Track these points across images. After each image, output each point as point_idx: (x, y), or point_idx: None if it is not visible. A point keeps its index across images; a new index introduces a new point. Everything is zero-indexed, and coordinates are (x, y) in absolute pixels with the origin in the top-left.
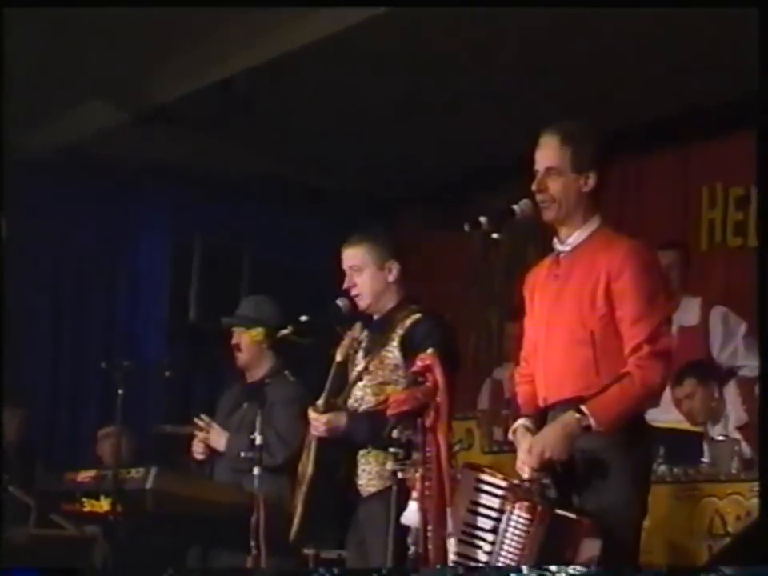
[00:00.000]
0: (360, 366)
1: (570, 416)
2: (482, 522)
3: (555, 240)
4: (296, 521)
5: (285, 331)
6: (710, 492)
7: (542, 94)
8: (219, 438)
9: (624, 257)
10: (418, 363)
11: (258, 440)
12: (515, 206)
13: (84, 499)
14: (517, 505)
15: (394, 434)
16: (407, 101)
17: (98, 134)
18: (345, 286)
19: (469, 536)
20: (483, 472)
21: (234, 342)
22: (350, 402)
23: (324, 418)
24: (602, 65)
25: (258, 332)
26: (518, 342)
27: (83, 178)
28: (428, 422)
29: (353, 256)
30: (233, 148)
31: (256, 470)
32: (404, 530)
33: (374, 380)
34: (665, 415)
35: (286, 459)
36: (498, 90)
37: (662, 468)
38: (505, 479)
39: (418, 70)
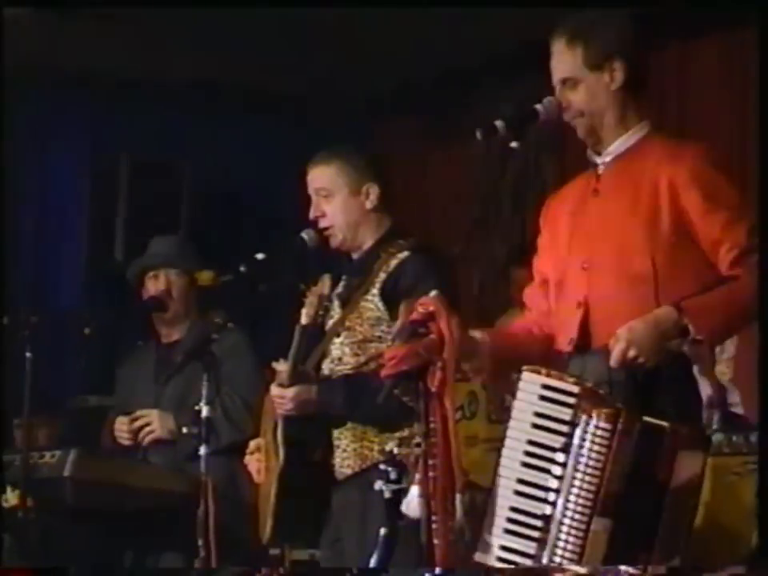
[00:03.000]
0: (335, 319)
1: (667, 311)
2: (551, 440)
3: (590, 152)
4: (269, 518)
5: (232, 275)
6: None
7: None
8: (165, 424)
9: (692, 161)
10: (419, 310)
11: (205, 411)
12: (538, 106)
13: None
14: (594, 412)
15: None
16: None
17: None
18: (311, 215)
19: (536, 458)
20: (549, 376)
21: (159, 289)
22: (326, 363)
23: (291, 391)
24: None
25: (207, 275)
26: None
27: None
28: (432, 385)
29: (320, 177)
30: (167, 43)
31: (203, 449)
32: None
33: (352, 337)
34: None
35: (247, 430)
36: None
37: (718, 436)
38: (577, 383)
39: None
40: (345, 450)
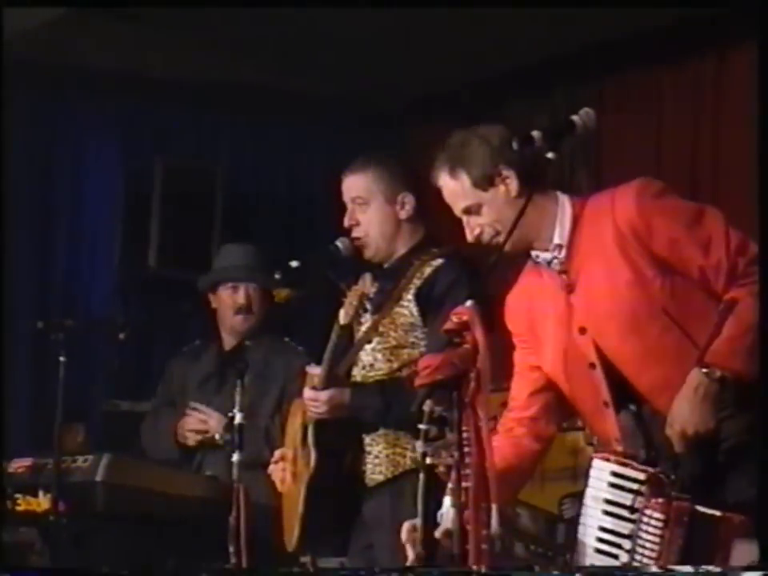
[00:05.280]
0: (367, 325)
1: (696, 374)
2: (620, 526)
3: (536, 253)
4: (297, 525)
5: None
6: None
7: None
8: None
9: (634, 204)
10: (453, 319)
11: (238, 418)
12: (575, 117)
13: (17, 495)
14: (652, 501)
15: (425, 407)
16: None
17: (27, 31)
18: (345, 223)
19: (606, 543)
20: (618, 463)
21: (242, 300)
22: (356, 369)
23: (325, 394)
24: None
25: (285, 293)
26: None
27: (9, 88)
28: (466, 395)
29: (356, 185)
30: (200, 45)
31: (235, 457)
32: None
33: (385, 343)
34: None
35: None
36: None
37: None
38: (643, 469)
39: None
40: (377, 457)
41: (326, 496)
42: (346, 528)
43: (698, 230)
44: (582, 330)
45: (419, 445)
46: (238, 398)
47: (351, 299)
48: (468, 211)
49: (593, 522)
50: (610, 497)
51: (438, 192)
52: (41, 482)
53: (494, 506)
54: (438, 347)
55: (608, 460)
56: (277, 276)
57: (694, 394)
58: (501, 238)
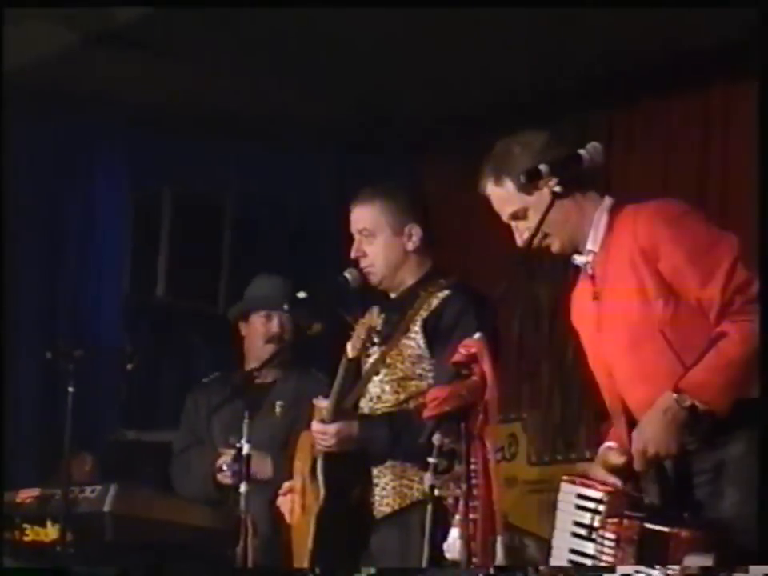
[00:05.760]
0: (375, 357)
1: (667, 397)
2: (585, 547)
3: (574, 256)
4: (306, 557)
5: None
6: None
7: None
8: (263, 465)
9: (650, 225)
10: (462, 351)
11: (246, 448)
12: (582, 151)
13: (25, 525)
14: (606, 522)
15: (434, 440)
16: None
17: (40, 58)
18: (352, 255)
19: (576, 564)
20: (582, 485)
21: (275, 329)
22: (364, 401)
23: (333, 427)
24: None
25: (317, 327)
26: None
27: (21, 115)
28: (474, 426)
29: (363, 217)
30: (216, 78)
31: (243, 487)
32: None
33: (392, 374)
34: None
35: None
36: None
37: None
38: (602, 488)
39: None
40: (384, 488)
41: (336, 528)
42: (354, 560)
43: (703, 262)
44: (602, 338)
45: (428, 477)
46: (245, 429)
47: (359, 332)
48: (515, 216)
49: (564, 545)
50: (577, 519)
51: (444, 222)
52: (48, 513)
53: (499, 538)
54: (445, 379)
55: (574, 482)
56: (285, 307)
57: (662, 416)
58: (550, 241)
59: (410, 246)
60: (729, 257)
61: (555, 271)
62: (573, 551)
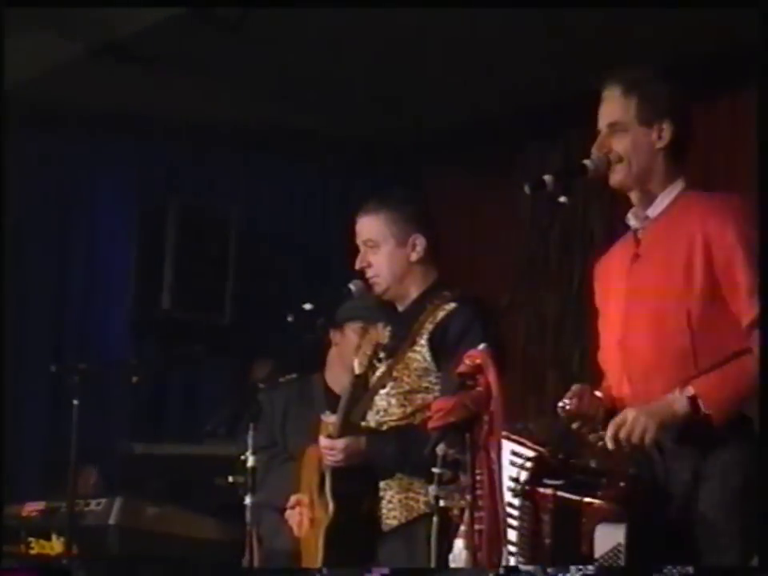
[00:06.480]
0: (381, 370)
1: (676, 394)
2: (514, 502)
3: (629, 215)
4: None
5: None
6: None
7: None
8: None
9: (724, 214)
10: (466, 362)
11: (251, 461)
12: (587, 161)
13: (31, 539)
14: (527, 488)
15: (438, 450)
16: (434, 20)
17: (45, 72)
18: (357, 265)
19: (512, 518)
20: (516, 442)
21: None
22: (371, 414)
23: (341, 443)
24: None
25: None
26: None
27: (25, 128)
28: (479, 437)
29: (368, 228)
30: (221, 91)
31: (248, 499)
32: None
33: (398, 387)
34: None
35: None
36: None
37: None
38: (534, 448)
39: None
40: (390, 501)
41: (345, 541)
42: (363, 573)
43: (755, 272)
44: (628, 298)
45: (433, 488)
46: (250, 441)
47: (365, 348)
48: (612, 126)
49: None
50: (509, 474)
51: (449, 233)
52: (54, 526)
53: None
54: (451, 391)
55: (509, 439)
56: (289, 319)
57: (667, 406)
58: (618, 170)
59: (415, 256)
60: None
61: (560, 281)
62: (508, 504)
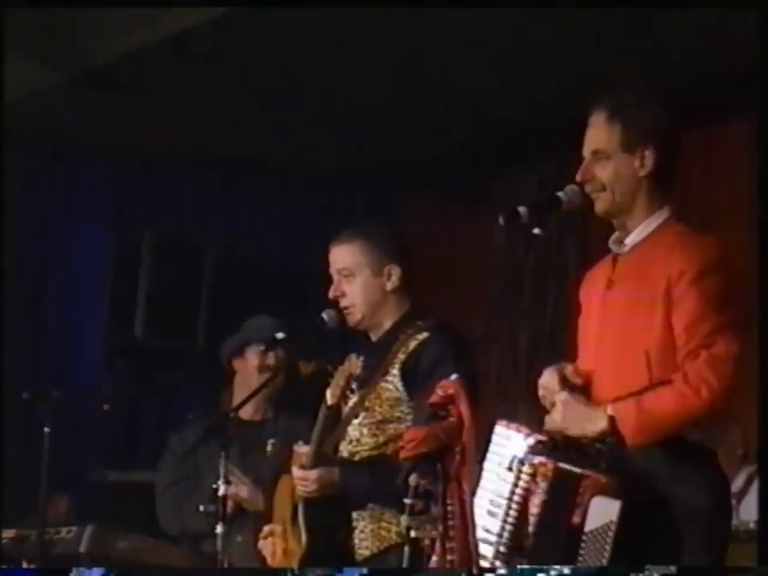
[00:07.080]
0: (354, 400)
1: (599, 413)
2: (506, 477)
3: (612, 239)
4: None
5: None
6: None
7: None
8: (254, 499)
9: (688, 256)
10: (439, 393)
11: (222, 490)
12: (561, 194)
13: (2, 566)
14: (527, 460)
15: (410, 481)
16: (409, 49)
17: (26, 99)
18: (331, 294)
19: (495, 506)
20: (499, 424)
21: (271, 361)
22: (343, 444)
23: (314, 473)
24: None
25: (310, 367)
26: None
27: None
28: (450, 467)
29: (342, 257)
30: (193, 120)
31: (219, 528)
32: None
33: (371, 417)
34: None
35: None
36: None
37: None
38: (520, 429)
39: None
40: (363, 532)
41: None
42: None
43: (707, 306)
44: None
45: (404, 518)
46: (222, 470)
47: (338, 380)
48: (595, 153)
49: (488, 486)
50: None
51: (424, 263)
52: (24, 553)
53: None
54: (423, 421)
55: (503, 425)
56: (261, 348)
57: (584, 418)
58: (602, 198)
59: (389, 285)
60: (727, 316)
61: (534, 313)
62: (499, 478)
